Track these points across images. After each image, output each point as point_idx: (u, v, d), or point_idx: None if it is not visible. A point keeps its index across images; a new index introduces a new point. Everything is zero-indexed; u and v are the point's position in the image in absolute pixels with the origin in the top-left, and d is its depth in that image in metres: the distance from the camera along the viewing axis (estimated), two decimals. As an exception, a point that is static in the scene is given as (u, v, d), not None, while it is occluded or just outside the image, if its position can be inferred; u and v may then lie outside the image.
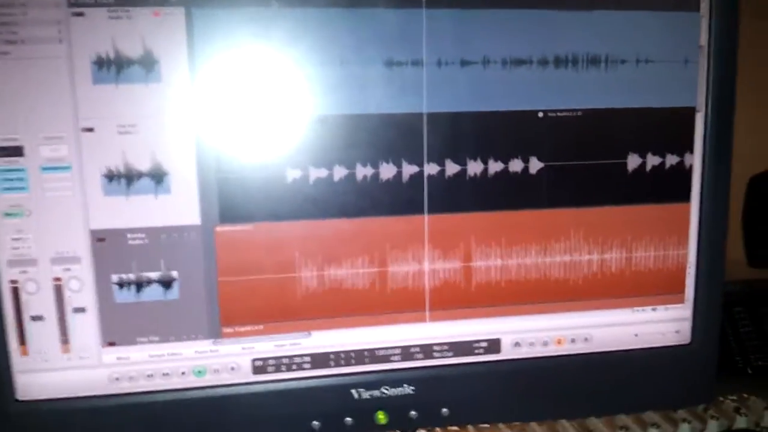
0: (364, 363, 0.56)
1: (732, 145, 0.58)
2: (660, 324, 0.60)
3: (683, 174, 0.58)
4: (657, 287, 0.60)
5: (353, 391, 0.56)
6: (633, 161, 0.57)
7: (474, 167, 0.55)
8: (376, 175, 0.53)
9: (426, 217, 0.55)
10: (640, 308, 0.60)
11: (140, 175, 0.50)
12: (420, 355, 0.57)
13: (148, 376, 0.53)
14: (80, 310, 0.51)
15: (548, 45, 0.54)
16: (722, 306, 0.61)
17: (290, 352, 0.55)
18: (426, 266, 0.56)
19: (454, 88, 0.54)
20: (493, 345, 0.58)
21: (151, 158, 0.50)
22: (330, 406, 0.56)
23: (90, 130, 0.49)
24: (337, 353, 0.56)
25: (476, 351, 0.58)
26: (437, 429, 0.71)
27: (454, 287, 0.56)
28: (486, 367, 0.58)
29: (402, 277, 0.55)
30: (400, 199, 0.54)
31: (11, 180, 0.49)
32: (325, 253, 0.54)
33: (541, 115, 0.55)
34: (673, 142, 0.57)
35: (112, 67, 0.49)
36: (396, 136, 0.53)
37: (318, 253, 0.54)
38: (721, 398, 0.75)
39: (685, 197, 0.58)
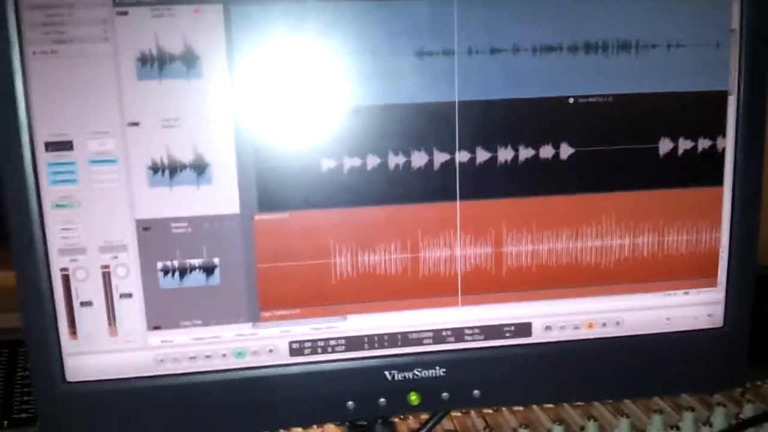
0: (397, 346, 0.58)
1: (765, 128, 0.58)
2: (692, 308, 0.61)
3: (715, 158, 0.58)
4: (689, 271, 0.60)
5: (387, 372, 0.57)
6: (665, 145, 0.57)
7: (505, 154, 0.56)
8: (408, 164, 0.55)
9: (458, 203, 0.56)
10: (672, 292, 0.60)
11: (183, 166, 0.53)
12: (451, 338, 0.58)
13: (191, 358, 0.56)
14: (127, 295, 0.54)
15: (578, 31, 0.55)
16: (755, 289, 0.61)
17: (326, 335, 0.57)
18: (458, 252, 0.57)
19: (485, 76, 0.55)
20: (524, 328, 0.59)
21: (193, 150, 0.53)
22: (364, 387, 0.57)
23: (135, 124, 0.52)
24: (371, 336, 0.57)
25: (507, 334, 0.59)
26: (472, 411, 0.74)
27: (485, 272, 0.58)
28: (517, 350, 0.59)
29: (434, 262, 0.57)
30: (433, 187, 0.56)
31: (62, 173, 0.51)
32: (359, 239, 0.55)
33: (571, 101, 0.56)
34: (705, 125, 0.57)
35: (155, 63, 0.51)
36: (428, 124, 0.55)
37: (352, 240, 0.55)
38: (759, 382, 0.76)
39: (718, 181, 0.59)
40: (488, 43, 0.54)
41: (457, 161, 0.55)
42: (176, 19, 0.50)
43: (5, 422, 0.72)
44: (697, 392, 0.67)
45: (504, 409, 0.74)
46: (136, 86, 0.51)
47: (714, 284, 0.60)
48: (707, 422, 0.67)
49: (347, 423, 0.67)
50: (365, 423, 0.65)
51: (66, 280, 0.53)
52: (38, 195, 0.51)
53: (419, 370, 0.58)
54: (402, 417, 0.72)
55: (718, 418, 0.68)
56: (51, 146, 0.51)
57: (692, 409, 0.68)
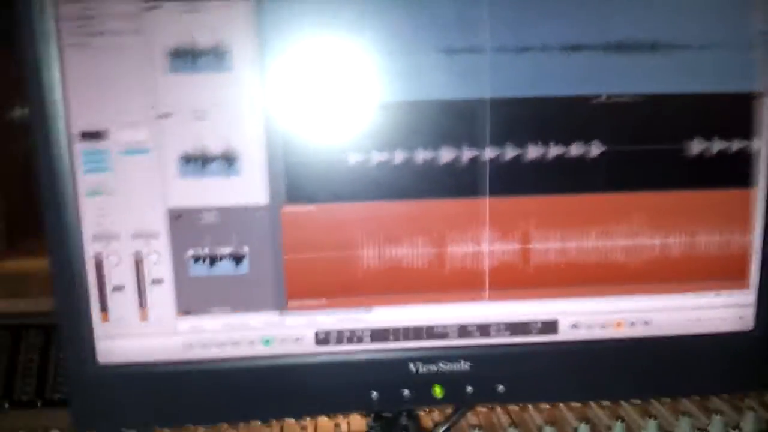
0: (422, 339, 0.58)
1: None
2: (722, 309, 0.60)
3: (748, 159, 0.57)
4: (720, 273, 0.59)
5: (411, 364, 0.58)
6: (696, 146, 0.56)
7: (535, 151, 0.55)
8: (436, 159, 0.55)
9: (487, 199, 0.56)
10: (702, 293, 0.59)
11: (213, 158, 0.54)
12: (477, 333, 0.58)
13: (220, 344, 0.57)
14: (158, 281, 0.55)
15: (610, 30, 0.54)
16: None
17: (352, 325, 0.58)
18: (486, 247, 0.57)
19: (517, 74, 0.54)
20: (551, 326, 0.59)
21: (223, 142, 0.53)
22: (388, 378, 0.58)
23: (167, 116, 0.53)
24: (396, 328, 0.58)
25: (533, 331, 0.59)
26: (498, 408, 0.74)
27: (512, 268, 0.58)
28: (543, 348, 0.59)
29: (462, 257, 0.57)
30: (462, 182, 0.56)
31: (95, 162, 0.53)
32: (385, 233, 0.56)
33: (602, 100, 0.55)
34: (738, 127, 0.56)
35: (187, 56, 0.52)
36: (457, 121, 0.55)
37: (379, 233, 0.56)
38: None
39: (751, 182, 0.57)
40: (520, 41, 0.54)
41: (487, 158, 0.55)
42: (207, 13, 0.51)
43: (39, 402, 0.75)
44: (725, 393, 0.66)
45: (530, 406, 0.74)
46: (167, 78, 0.52)
47: (745, 286, 0.59)
48: (736, 426, 0.66)
49: (372, 414, 0.68)
50: (390, 415, 0.66)
51: (99, 265, 0.54)
52: (73, 183, 0.53)
53: (444, 363, 0.58)
54: (427, 410, 0.72)
55: (748, 422, 0.67)
56: (86, 136, 0.53)
57: (721, 413, 0.68)
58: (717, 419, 0.67)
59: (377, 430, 0.67)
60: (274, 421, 0.73)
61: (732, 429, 0.66)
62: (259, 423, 0.72)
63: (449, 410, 0.66)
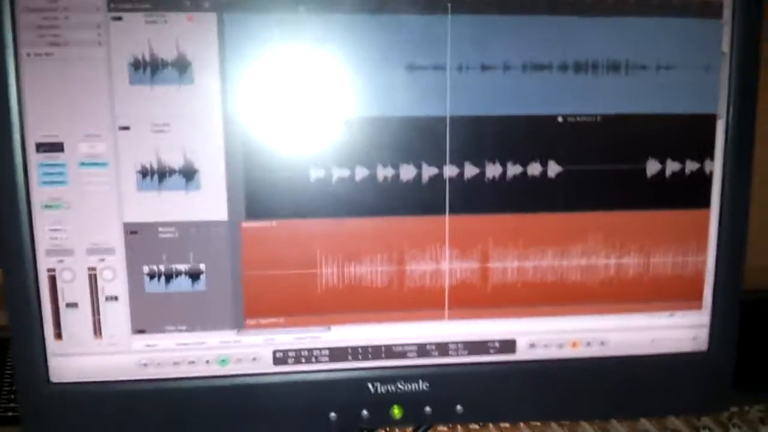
0: (381, 358, 0.58)
1: (753, 152, 0.58)
2: (677, 330, 0.61)
3: (703, 180, 0.58)
4: (675, 293, 0.60)
5: (370, 385, 0.57)
6: (652, 166, 0.58)
7: (494, 170, 0.56)
8: (397, 176, 0.55)
9: (447, 217, 0.56)
10: (657, 313, 0.60)
11: (172, 171, 0.53)
12: (436, 353, 0.58)
13: (175, 363, 0.56)
14: (112, 298, 0.54)
15: (568, 50, 0.55)
16: (743, 314, 0.61)
17: (310, 344, 0.57)
18: (446, 266, 0.57)
19: (476, 93, 0.55)
20: (509, 345, 0.59)
21: (182, 156, 0.53)
22: (347, 398, 0.57)
23: (126, 128, 0.52)
24: (355, 348, 0.57)
25: (491, 350, 0.59)
26: (459, 427, 0.73)
27: (472, 287, 0.58)
28: (501, 367, 0.59)
29: (421, 275, 0.57)
30: (421, 200, 0.56)
31: (52, 174, 0.52)
32: (345, 250, 0.56)
33: (561, 119, 0.56)
34: (693, 148, 0.58)
35: (147, 68, 0.51)
36: (418, 138, 0.55)
37: (339, 251, 0.56)
38: (747, 408, 0.75)
39: (705, 203, 0.59)
40: (480, 60, 0.55)
41: (446, 175, 0.56)
42: (170, 26, 0.51)
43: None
44: (681, 415, 0.67)
45: (490, 425, 0.74)
46: (128, 91, 0.52)
47: (699, 307, 0.60)
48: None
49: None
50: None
51: (53, 280, 0.53)
52: (27, 195, 0.52)
53: (402, 383, 0.58)
54: (387, 431, 0.71)
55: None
56: (42, 147, 0.52)
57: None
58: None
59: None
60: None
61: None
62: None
63: (409, 430, 0.66)
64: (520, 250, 0.58)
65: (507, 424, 0.73)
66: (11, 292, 0.53)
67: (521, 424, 0.73)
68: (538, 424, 0.74)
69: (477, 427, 0.73)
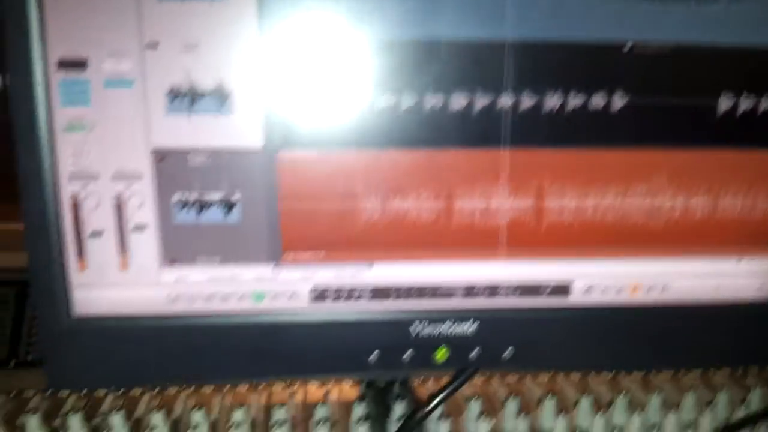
0: (426, 297, 0.54)
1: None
2: (743, 278, 0.56)
3: (780, 118, 0.53)
4: (743, 238, 0.55)
5: (413, 325, 0.54)
6: (725, 102, 0.52)
7: (555, 100, 0.51)
8: (448, 105, 0.50)
9: (503, 150, 0.52)
10: (723, 259, 0.56)
11: (203, 93, 0.49)
12: (485, 294, 0.54)
13: (207, 298, 0.52)
14: (140, 227, 0.50)
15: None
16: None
17: (351, 282, 0.53)
18: (500, 202, 0.53)
19: (540, 16, 0.50)
20: (563, 288, 0.55)
21: (214, 77, 0.49)
22: (388, 340, 0.54)
23: (154, 46, 0.48)
24: (398, 287, 0.54)
25: (544, 293, 0.55)
26: (494, 379, 0.70)
27: (527, 226, 0.53)
28: (554, 312, 0.55)
29: (471, 212, 0.53)
30: (478, 131, 0.51)
31: (74, 93, 0.48)
32: (391, 184, 0.51)
33: (628, 47, 0.51)
34: (769, 82, 0.53)
35: (177, -22, 0.47)
36: (474, 64, 0.50)
37: (385, 183, 0.51)
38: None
39: (780, 143, 0.54)
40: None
41: (506, 105, 0.51)
42: (203, -70, 0.46)
43: (12, 362, 0.70)
44: (741, 366, 0.63)
45: (528, 378, 0.71)
46: (157, 5, 0.47)
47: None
48: (743, 400, 0.64)
49: (365, 382, 0.64)
50: (382, 384, 0.62)
51: (75, 207, 0.49)
52: (49, 116, 0.48)
53: (449, 325, 0.54)
54: (420, 380, 0.69)
55: (754, 399, 0.64)
56: (64, 64, 0.47)
57: (727, 389, 0.65)
58: (722, 395, 0.64)
59: (369, 399, 0.63)
60: (261, 386, 0.69)
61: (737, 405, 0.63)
62: (245, 388, 0.69)
63: (444, 382, 0.62)
64: (581, 188, 0.53)
65: (545, 378, 0.70)
66: (31, 220, 0.49)
67: (560, 378, 0.70)
68: (577, 378, 0.70)
69: (514, 380, 0.70)
